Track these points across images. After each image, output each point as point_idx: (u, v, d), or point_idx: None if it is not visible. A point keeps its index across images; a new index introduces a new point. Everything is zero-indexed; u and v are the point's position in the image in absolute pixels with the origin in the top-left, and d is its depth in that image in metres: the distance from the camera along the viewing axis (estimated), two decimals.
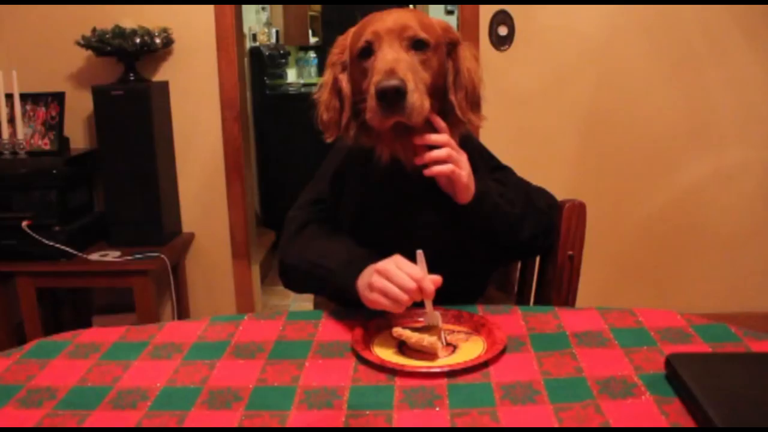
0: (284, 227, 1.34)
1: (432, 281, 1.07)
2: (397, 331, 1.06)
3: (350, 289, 1.14)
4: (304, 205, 1.34)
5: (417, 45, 1.12)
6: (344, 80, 1.17)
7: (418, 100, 1.08)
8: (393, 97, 1.05)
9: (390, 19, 1.13)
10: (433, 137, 1.14)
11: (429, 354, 1.03)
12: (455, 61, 1.18)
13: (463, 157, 1.17)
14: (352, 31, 1.19)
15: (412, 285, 1.05)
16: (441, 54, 1.16)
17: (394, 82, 1.05)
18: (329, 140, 1.21)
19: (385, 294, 1.06)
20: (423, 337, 1.03)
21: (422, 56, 1.13)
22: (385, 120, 1.09)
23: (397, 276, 1.06)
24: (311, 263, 1.23)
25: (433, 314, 1.11)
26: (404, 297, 1.05)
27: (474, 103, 1.19)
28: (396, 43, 1.11)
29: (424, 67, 1.13)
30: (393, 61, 1.08)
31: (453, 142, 1.16)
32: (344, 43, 1.20)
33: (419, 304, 1.11)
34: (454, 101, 1.17)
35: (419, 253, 1.09)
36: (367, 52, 1.13)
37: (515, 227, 1.26)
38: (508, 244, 1.30)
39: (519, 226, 1.26)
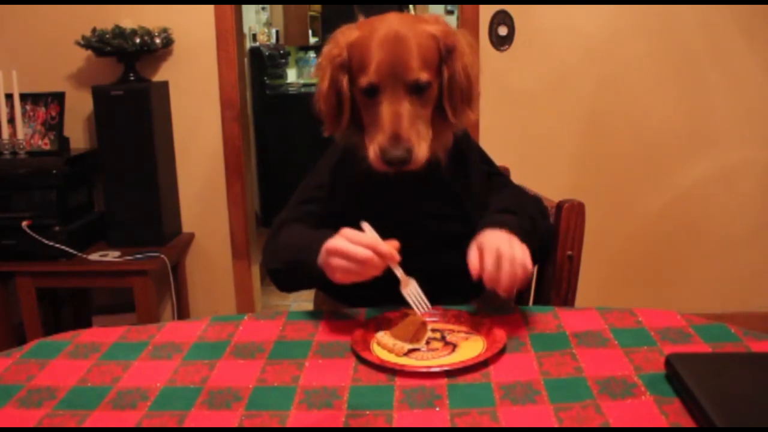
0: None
1: (390, 244, 1.07)
2: (377, 338, 1.08)
3: (315, 271, 1.13)
4: (289, 208, 1.35)
5: (418, 87, 1.12)
6: (344, 83, 1.17)
7: (421, 151, 1.11)
8: (399, 162, 1.09)
9: (391, 49, 1.11)
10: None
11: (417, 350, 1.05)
12: (451, 68, 1.15)
13: (513, 252, 1.10)
14: (352, 36, 1.17)
15: (367, 254, 1.05)
16: (438, 78, 1.15)
17: (399, 153, 1.08)
18: (327, 134, 1.21)
19: (346, 272, 1.07)
20: (396, 342, 1.05)
21: (424, 96, 1.13)
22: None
23: (350, 250, 1.05)
24: (286, 263, 1.24)
25: (406, 279, 1.11)
26: (364, 270, 1.05)
27: (468, 98, 1.18)
28: (398, 88, 1.11)
29: (425, 104, 1.14)
30: (396, 119, 1.09)
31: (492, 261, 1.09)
32: (344, 43, 1.17)
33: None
34: (447, 108, 1.16)
35: (364, 224, 1.10)
36: (370, 92, 1.13)
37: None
38: None
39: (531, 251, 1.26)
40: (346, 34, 1.17)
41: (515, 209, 1.28)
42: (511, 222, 1.21)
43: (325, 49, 1.21)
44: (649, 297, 2.90)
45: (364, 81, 1.12)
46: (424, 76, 1.11)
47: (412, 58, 1.11)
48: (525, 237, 1.21)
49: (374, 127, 1.12)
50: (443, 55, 1.14)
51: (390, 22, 1.14)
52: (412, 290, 1.11)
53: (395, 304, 1.15)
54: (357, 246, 1.05)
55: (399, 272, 1.10)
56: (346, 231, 1.09)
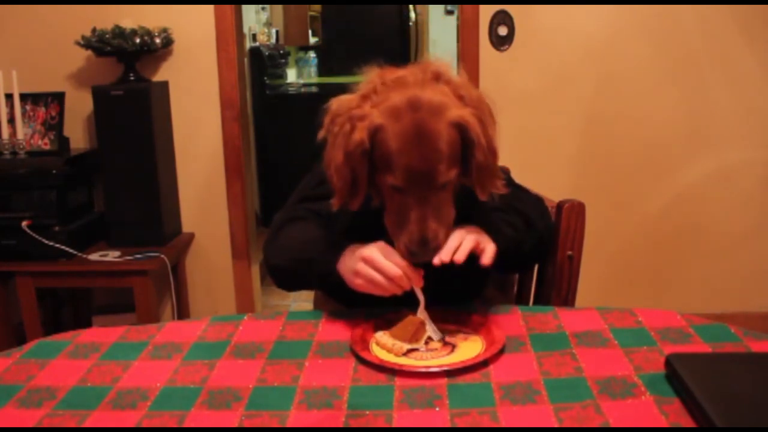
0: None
1: (416, 270, 1.10)
2: (376, 338, 1.09)
3: (333, 275, 1.16)
4: (289, 206, 1.35)
5: (444, 185, 1.10)
6: (364, 170, 1.11)
7: (445, 239, 1.10)
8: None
9: (417, 152, 1.06)
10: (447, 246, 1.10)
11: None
12: (476, 156, 1.09)
13: (476, 233, 1.13)
14: (373, 121, 1.08)
15: (397, 272, 1.08)
16: (460, 166, 1.11)
17: (428, 256, 1.08)
18: (336, 208, 1.16)
19: (371, 282, 1.10)
20: (395, 342, 1.06)
21: (448, 186, 1.10)
22: None
23: (383, 264, 1.09)
24: (291, 259, 1.25)
25: (423, 310, 1.13)
26: (389, 285, 1.09)
27: (494, 170, 1.14)
28: (425, 191, 1.08)
29: (450, 189, 1.11)
30: (423, 222, 1.07)
31: (468, 240, 1.11)
32: (363, 127, 1.08)
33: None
34: (478, 190, 1.13)
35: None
36: (396, 188, 1.10)
37: (516, 253, 1.26)
38: (506, 266, 1.30)
39: (521, 252, 1.27)
40: (366, 116, 1.09)
41: (504, 208, 1.28)
42: (491, 221, 1.22)
43: (339, 118, 1.12)
44: (649, 297, 2.89)
45: (390, 180, 1.09)
46: (450, 176, 1.09)
47: (439, 162, 1.06)
48: (506, 231, 1.22)
49: (400, 222, 1.10)
50: (467, 142, 1.09)
51: (413, 110, 1.06)
52: (427, 319, 1.13)
53: (395, 305, 1.16)
54: (390, 263, 1.09)
55: (421, 296, 1.13)
56: (381, 244, 1.11)
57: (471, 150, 1.09)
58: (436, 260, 1.08)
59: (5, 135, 2.61)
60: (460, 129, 1.08)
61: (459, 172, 1.11)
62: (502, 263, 1.22)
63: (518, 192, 1.38)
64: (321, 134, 1.16)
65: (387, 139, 1.07)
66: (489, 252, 1.12)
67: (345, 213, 1.29)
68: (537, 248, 1.33)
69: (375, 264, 1.09)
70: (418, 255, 1.08)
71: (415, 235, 1.07)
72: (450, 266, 1.19)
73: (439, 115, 1.07)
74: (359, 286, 1.12)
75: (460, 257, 1.08)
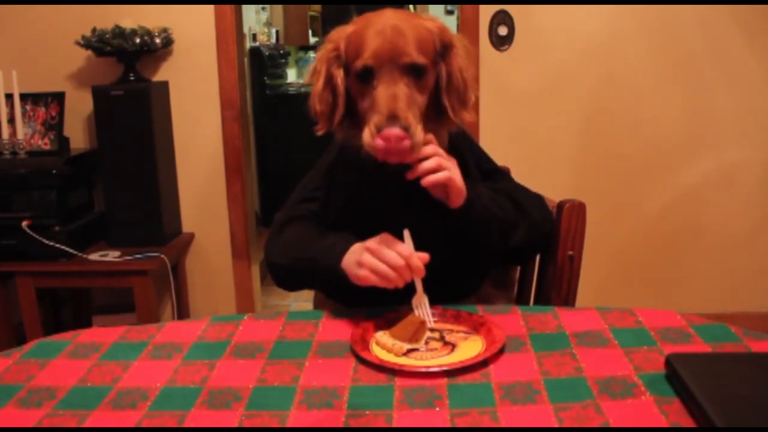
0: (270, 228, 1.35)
1: (420, 258, 1.10)
2: (376, 338, 1.09)
3: (336, 272, 1.16)
4: (290, 205, 1.35)
5: (414, 70, 1.12)
6: (339, 77, 1.16)
7: (418, 132, 1.09)
8: (396, 139, 1.07)
9: (387, 36, 1.11)
10: (423, 152, 1.12)
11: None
12: (448, 65, 1.16)
13: (453, 162, 1.17)
14: (347, 31, 1.17)
15: (400, 262, 1.08)
16: (434, 69, 1.16)
17: (396, 130, 1.06)
18: (320, 133, 1.20)
19: (374, 271, 1.10)
20: (395, 342, 1.06)
21: (419, 82, 1.13)
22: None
23: (386, 254, 1.09)
24: (294, 258, 1.25)
25: (422, 295, 1.14)
26: (393, 274, 1.09)
27: (464, 100, 1.19)
28: (395, 71, 1.10)
29: (421, 91, 1.13)
30: (392, 99, 1.08)
31: (441, 150, 1.15)
32: (339, 38, 1.17)
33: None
34: (447, 105, 1.17)
35: (406, 232, 1.12)
36: (365, 75, 1.12)
37: (505, 233, 1.27)
38: (498, 249, 1.30)
39: (509, 232, 1.27)
40: (340, 31, 1.18)
41: (497, 190, 1.30)
42: (482, 190, 1.24)
43: (319, 50, 1.20)
44: (649, 297, 2.90)
45: (359, 64, 1.12)
46: (420, 59, 1.11)
47: (408, 44, 1.11)
48: (486, 199, 1.24)
49: (370, 112, 1.11)
50: (439, 50, 1.15)
51: (386, 16, 1.15)
52: (423, 304, 1.14)
53: (395, 305, 1.16)
54: (392, 252, 1.09)
55: (419, 286, 1.13)
56: (385, 235, 1.12)
57: (442, 56, 1.15)
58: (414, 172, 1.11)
59: (5, 135, 2.61)
60: (432, 34, 1.15)
61: (432, 72, 1.14)
62: (488, 242, 1.25)
63: (517, 187, 1.39)
64: (307, 79, 1.22)
65: (359, 37, 1.14)
66: (451, 178, 1.13)
67: (338, 211, 1.29)
68: (532, 237, 1.32)
69: (379, 254, 1.10)
70: (385, 128, 1.06)
71: (383, 110, 1.07)
72: (447, 261, 1.19)
73: (412, 20, 1.15)
74: (363, 277, 1.11)
75: (428, 180, 1.11)
